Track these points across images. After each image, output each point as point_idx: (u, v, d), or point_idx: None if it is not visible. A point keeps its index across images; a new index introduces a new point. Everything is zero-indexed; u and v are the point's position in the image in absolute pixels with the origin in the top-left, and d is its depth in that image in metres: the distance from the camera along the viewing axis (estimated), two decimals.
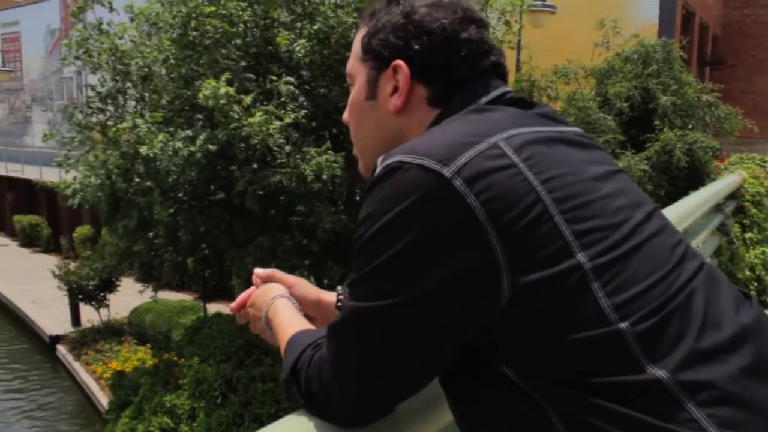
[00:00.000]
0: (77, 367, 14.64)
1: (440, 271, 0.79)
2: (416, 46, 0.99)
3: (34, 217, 26.46)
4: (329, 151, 8.13)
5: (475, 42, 0.99)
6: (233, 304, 1.23)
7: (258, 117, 7.93)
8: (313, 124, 9.14)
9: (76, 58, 10.11)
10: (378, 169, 0.85)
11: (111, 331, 15.76)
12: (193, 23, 8.54)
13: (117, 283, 15.87)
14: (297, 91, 8.59)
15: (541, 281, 0.78)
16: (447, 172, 0.80)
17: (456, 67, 0.99)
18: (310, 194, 8.29)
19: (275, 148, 8.13)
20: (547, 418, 0.79)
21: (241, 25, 8.70)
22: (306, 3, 8.92)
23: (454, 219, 0.79)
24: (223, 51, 8.83)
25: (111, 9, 9.91)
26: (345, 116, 1.12)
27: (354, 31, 8.60)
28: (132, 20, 10.08)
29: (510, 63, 11.51)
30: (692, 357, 0.77)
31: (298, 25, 9.03)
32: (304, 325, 1.07)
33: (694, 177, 7.99)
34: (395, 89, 1.01)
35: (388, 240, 0.81)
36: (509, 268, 0.78)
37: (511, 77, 11.03)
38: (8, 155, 30.76)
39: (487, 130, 0.85)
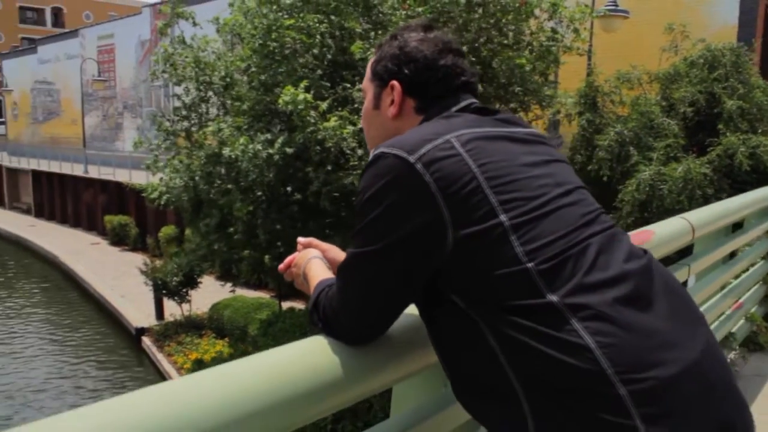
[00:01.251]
0: (160, 357, 15.54)
1: (407, 225, 1.14)
2: (406, 71, 1.36)
3: (123, 218, 27.87)
4: None
5: (449, 67, 1.35)
6: (281, 265, 1.58)
7: (333, 122, 8.39)
8: None
9: (163, 71, 10.86)
10: (370, 157, 1.21)
11: (192, 325, 16.63)
12: (273, 35, 9.08)
13: (198, 280, 16.72)
14: None
15: (474, 234, 1.11)
16: (412, 158, 1.15)
17: (434, 85, 1.35)
18: None
19: (348, 151, 8.57)
20: (482, 332, 1.11)
21: (318, 36, 9.17)
22: (380, 14, 9.32)
23: (416, 191, 1.13)
24: (301, 60, 9.35)
25: (194, 24, 10.61)
26: (361, 122, 1.49)
27: None
28: (218, 31, 10.73)
29: (581, 69, 11.61)
30: (578, 288, 1.08)
31: (372, 35, 9.45)
32: (329, 276, 1.43)
33: (763, 181, 7.94)
34: (392, 101, 1.38)
35: (373, 206, 1.16)
36: (452, 225, 1.12)
37: (574, 84, 11.12)
38: (101, 159, 32.59)
39: (445, 131, 1.19)
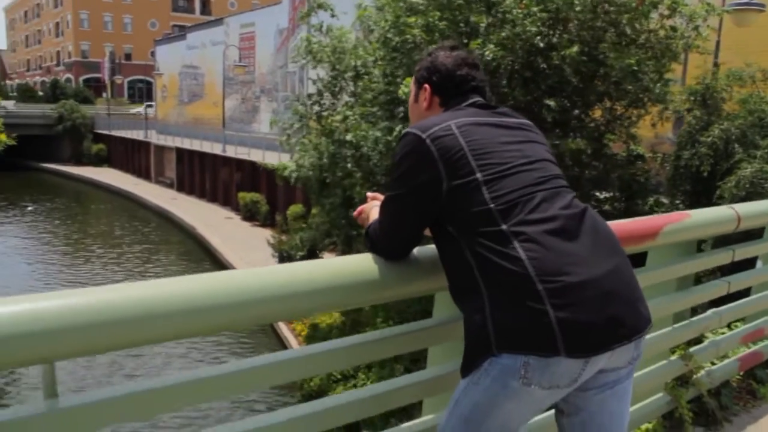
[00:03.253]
0: (281, 323, 16.84)
1: (419, 178, 1.72)
2: (434, 78, 1.96)
3: (255, 195, 29.72)
4: None
5: (463, 76, 1.95)
6: (355, 212, 2.20)
7: None
8: None
9: (302, 57, 11.88)
10: (402, 133, 1.85)
11: None
12: (395, 30, 9.81)
13: (320, 255, 17.85)
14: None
15: (460, 185, 1.68)
16: (423, 136, 1.73)
17: (452, 88, 1.96)
18: None
19: None
20: (463, 250, 1.68)
21: (437, 33, 9.81)
22: (499, 13, 9.81)
23: (425, 157, 1.71)
24: (419, 57, 10.04)
25: (332, 15, 11.54)
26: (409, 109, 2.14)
27: (538, 38, 9.41)
28: (353, 24, 11.60)
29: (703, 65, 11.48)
30: (521, 222, 1.62)
31: (492, 30, 9.96)
32: None
33: None
34: (425, 98, 1.98)
35: (399, 165, 1.78)
36: (447, 179, 1.69)
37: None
38: (238, 140, 34.81)
39: (450, 119, 1.79)
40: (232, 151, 33.97)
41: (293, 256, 17.57)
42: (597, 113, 10.67)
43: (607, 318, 1.59)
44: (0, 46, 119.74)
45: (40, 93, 73.07)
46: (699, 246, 3.49)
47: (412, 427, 2.12)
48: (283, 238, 18.75)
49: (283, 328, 16.60)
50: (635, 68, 9.28)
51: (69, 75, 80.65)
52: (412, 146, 1.75)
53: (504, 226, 1.63)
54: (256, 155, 30.07)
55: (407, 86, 9.10)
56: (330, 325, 13.59)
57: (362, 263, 1.88)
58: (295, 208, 24.07)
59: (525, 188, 1.69)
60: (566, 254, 1.61)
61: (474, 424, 1.69)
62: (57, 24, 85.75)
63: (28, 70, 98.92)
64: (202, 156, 37.17)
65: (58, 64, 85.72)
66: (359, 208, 2.14)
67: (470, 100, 1.92)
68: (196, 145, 38.33)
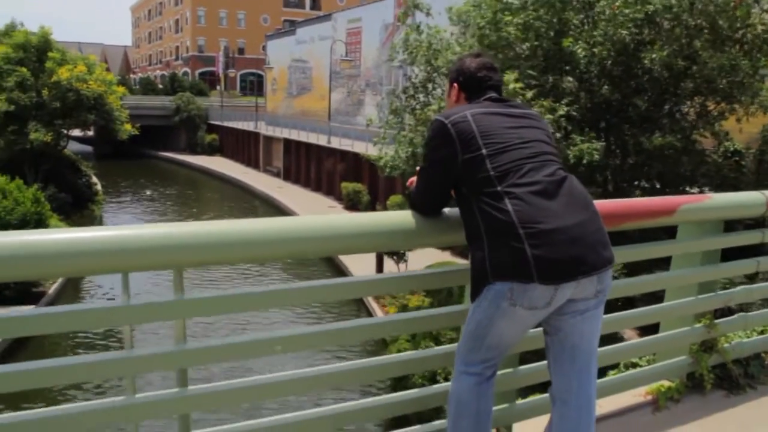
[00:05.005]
0: (375, 307, 17.76)
1: (442, 153, 2.28)
2: (461, 79, 2.50)
3: (357, 185, 30.82)
4: (593, 140, 9.37)
5: (483, 77, 2.50)
6: (408, 182, 2.65)
7: (534, 108, 9.48)
8: (588, 116, 10.37)
9: (406, 52, 12.59)
10: (432, 120, 2.45)
11: None
12: (492, 27, 10.31)
13: None
14: (574, 88, 9.92)
15: (470, 158, 2.21)
16: (446, 121, 2.27)
17: (474, 87, 2.51)
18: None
19: None
20: (472, 206, 2.22)
21: (533, 32, 10.24)
22: (596, 12, 10.13)
23: (446, 137, 2.26)
24: (517, 50, 10.50)
25: (428, 14, 12.17)
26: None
27: (629, 39, 9.67)
28: (450, 20, 12.20)
29: None
30: (511, 185, 2.14)
31: (583, 29, 10.31)
32: None
33: None
34: (455, 95, 2.52)
35: (428, 144, 2.37)
36: (461, 153, 2.23)
37: None
38: (342, 132, 36.02)
39: (467, 109, 2.35)
40: (336, 143, 35.35)
41: None
42: (688, 110, 10.77)
43: (571, 256, 2.13)
44: (126, 42, 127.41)
45: (160, 86, 77.50)
46: (732, 228, 3.88)
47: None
48: None
49: (378, 311, 17.45)
50: (726, 64, 9.38)
51: (186, 69, 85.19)
52: (438, 130, 2.33)
53: (499, 188, 2.18)
54: (359, 147, 31.10)
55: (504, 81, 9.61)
56: (418, 306, 14.32)
57: (403, 217, 2.49)
58: (395, 198, 24.80)
59: (518, 161, 2.23)
60: (543, 209, 2.15)
61: (478, 338, 2.28)
62: (177, 21, 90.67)
63: (149, 65, 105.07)
64: (308, 147, 38.73)
65: (176, 59, 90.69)
66: (411, 179, 2.72)
67: (487, 95, 2.47)
68: (302, 136, 40.02)
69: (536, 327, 2.37)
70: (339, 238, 2.35)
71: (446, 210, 2.54)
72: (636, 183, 10.63)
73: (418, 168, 2.55)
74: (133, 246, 1.99)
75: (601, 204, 3.10)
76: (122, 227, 2.05)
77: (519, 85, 9.61)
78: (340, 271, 21.87)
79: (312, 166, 38.21)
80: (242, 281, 21.85)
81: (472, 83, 2.49)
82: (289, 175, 41.51)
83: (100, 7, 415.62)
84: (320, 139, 37.67)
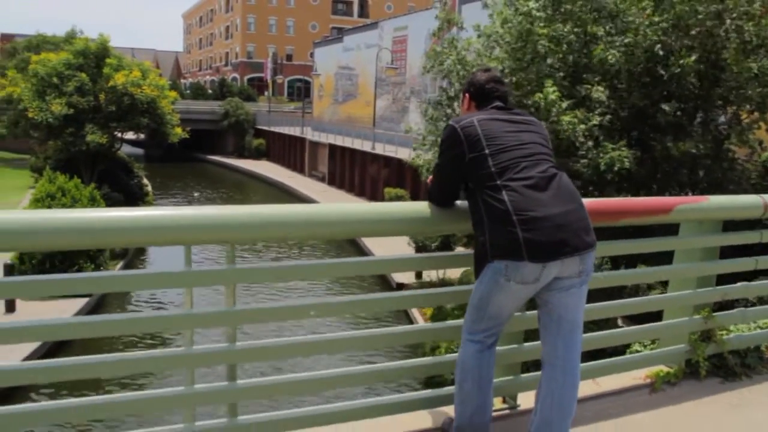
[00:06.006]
0: (416, 312, 18.26)
1: (452, 153, 2.67)
2: (471, 89, 2.89)
3: (400, 191, 31.17)
4: (623, 148, 9.65)
5: (491, 88, 2.90)
6: (428, 179, 3.18)
7: (568, 117, 9.80)
8: (618, 124, 10.63)
9: (432, 67, 13.06)
10: (446, 125, 2.87)
11: (442, 285, 18.89)
12: (522, 42, 10.68)
13: (453, 248, 18.96)
14: (605, 97, 10.18)
15: (475, 157, 2.60)
16: (457, 126, 2.66)
17: (482, 97, 2.92)
18: (603, 182, 9.91)
19: (578, 143, 9.91)
20: (477, 198, 2.60)
21: (565, 45, 10.56)
22: (622, 21, 10.41)
23: (456, 139, 2.65)
24: (549, 61, 10.82)
25: (460, 29, 12.63)
26: None
27: (658, 46, 9.92)
28: (479, 36, 12.58)
29: None
30: (509, 179, 2.52)
31: (616, 37, 10.56)
32: None
33: None
34: (466, 103, 2.96)
35: (442, 145, 2.74)
36: (468, 153, 2.61)
37: None
38: (386, 138, 36.53)
39: (475, 116, 2.76)
40: (380, 149, 35.85)
41: (428, 247, 18.77)
42: (719, 118, 10.94)
43: (556, 240, 2.53)
44: (177, 48, 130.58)
45: (210, 91, 79.34)
46: (732, 229, 4.20)
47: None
48: None
49: (415, 311, 17.92)
50: (756, 72, 9.55)
51: (235, 74, 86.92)
52: (450, 133, 2.73)
53: (498, 182, 2.56)
54: (403, 153, 31.52)
55: (542, 96, 9.97)
56: (453, 307, 14.74)
57: (421, 207, 2.93)
58: None
59: (515, 159, 2.63)
60: (534, 199, 2.53)
61: (481, 309, 2.71)
62: (227, 27, 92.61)
63: (200, 70, 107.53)
64: (353, 152, 39.32)
65: (226, 65, 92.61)
66: (429, 177, 3.15)
67: (493, 104, 2.87)
68: (347, 142, 40.63)
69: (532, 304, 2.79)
70: (366, 223, 2.80)
71: (458, 202, 2.96)
72: (667, 192, 10.83)
73: (434, 165, 2.97)
74: (195, 224, 2.48)
75: (602, 201, 3.51)
76: (187, 208, 2.55)
77: (557, 95, 9.93)
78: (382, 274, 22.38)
79: (356, 171, 38.82)
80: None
81: (481, 93, 2.89)
82: (334, 179, 42.21)
83: (153, 14, 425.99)
84: (365, 145, 38.27)
